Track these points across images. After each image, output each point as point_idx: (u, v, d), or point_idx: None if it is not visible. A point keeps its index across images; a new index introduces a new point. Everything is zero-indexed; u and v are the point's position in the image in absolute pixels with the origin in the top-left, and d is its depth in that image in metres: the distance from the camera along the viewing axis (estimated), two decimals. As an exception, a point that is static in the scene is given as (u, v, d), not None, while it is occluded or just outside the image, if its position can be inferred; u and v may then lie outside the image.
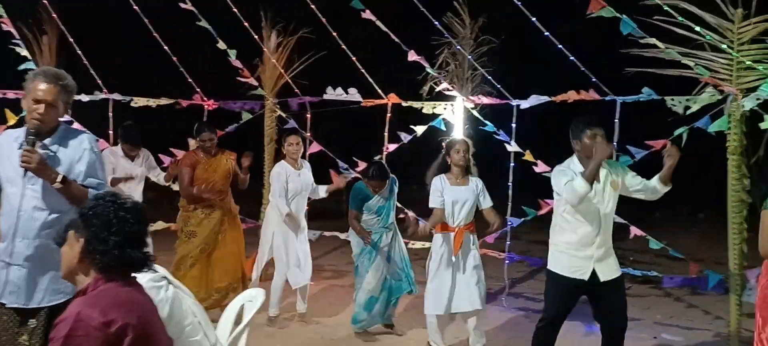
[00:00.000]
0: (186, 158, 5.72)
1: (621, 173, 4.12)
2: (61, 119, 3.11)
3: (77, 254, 2.13)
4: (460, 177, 4.88)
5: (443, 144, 5.07)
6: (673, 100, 5.32)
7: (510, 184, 6.31)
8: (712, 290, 5.56)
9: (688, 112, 5.25)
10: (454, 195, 4.81)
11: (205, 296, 5.46)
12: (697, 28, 4.92)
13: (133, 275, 2.22)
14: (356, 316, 5.36)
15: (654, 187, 4.05)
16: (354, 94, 6.81)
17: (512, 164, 6.31)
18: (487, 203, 4.92)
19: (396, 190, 5.51)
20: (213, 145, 5.68)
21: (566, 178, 3.90)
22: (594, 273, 3.99)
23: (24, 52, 6.85)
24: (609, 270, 4.05)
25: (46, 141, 3.04)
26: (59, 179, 2.94)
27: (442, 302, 4.79)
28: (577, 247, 3.99)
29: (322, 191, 5.93)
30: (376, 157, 6.26)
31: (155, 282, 2.65)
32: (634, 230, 5.79)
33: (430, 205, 4.82)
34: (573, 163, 4.03)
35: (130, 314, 2.00)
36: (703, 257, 7.56)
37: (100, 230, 2.11)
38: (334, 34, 6.67)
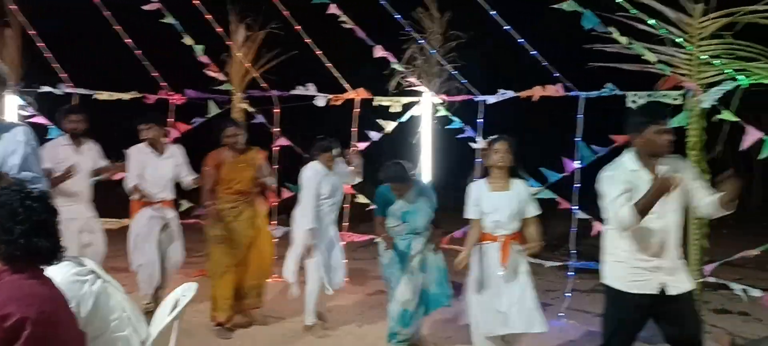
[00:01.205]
0: (210, 158, 5.30)
1: (689, 174, 3.47)
2: None
3: None
4: (501, 181, 4.23)
5: (485, 143, 4.41)
6: (635, 95, 5.31)
7: (476, 180, 6.27)
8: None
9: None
10: (494, 203, 4.18)
11: (240, 297, 5.32)
12: (656, 23, 4.90)
13: (41, 267, 2.15)
14: (392, 330, 4.85)
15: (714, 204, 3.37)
16: (314, 91, 6.73)
17: (478, 160, 6.28)
18: (530, 211, 4.24)
19: (428, 195, 4.97)
20: (239, 141, 5.32)
21: (617, 191, 3.29)
22: (663, 286, 3.37)
23: (-15, 45, 6.73)
24: (681, 282, 3.42)
25: None
26: None
27: (493, 322, 4.14)
28: (641, 256, 3.37)
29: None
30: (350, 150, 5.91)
31: (80, 276, 2.59)
32: (597, 226, 5.77)
33: (466, 215, 4.29)
34: (626, 162, 3.41)
35: (29, 307, 1.94)
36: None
37: (6, 220, 2.05)
38: (298, 28, 6.61)
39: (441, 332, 5.37)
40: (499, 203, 4.17)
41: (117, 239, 6.39)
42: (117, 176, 5.91)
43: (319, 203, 5.23)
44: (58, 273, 2.54)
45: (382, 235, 4.90)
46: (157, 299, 5.43)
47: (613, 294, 3.46)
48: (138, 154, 5.60)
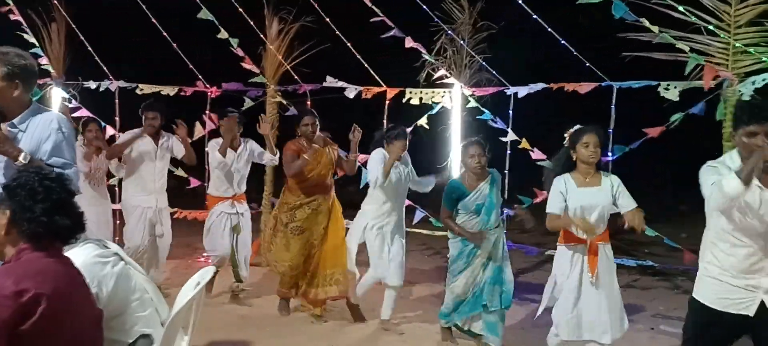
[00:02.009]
0: (291, 144, 5.31)
1: None
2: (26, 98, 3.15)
3: (4, 226, 2.17)
4: (589, 176, 3.91)
5: (566, 136, 4.07)
6: (667, 86, 5.18)
7: (506, 172, 6.23)
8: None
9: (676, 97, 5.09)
10: (582, 199, 3.85)
11: (313, 284, 5.34)
12: (688, 10, 4.77)
13: (61, 246, 2.25)
14: (446, 310, 4.80)
15: None
16: (345, 83, 6.76)
17: (508, 152, 6.24)
18: (628, 203, 3.87)
19: (498, 186, 4.71)
20: (315, 131, 5.29)
21: (715, 175, 3.01)
22: (762, 306, 3.02)
23: (31, 39, 7.02)
24: None
25: (15, 120, 3.12)
26: (22, 156, 3.01)
27: (573, 326, 3.89)
28: (737, 272, 3.05)
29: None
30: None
31: (102, 258, 2.70)
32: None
33: (548, 209, 3.90)
34: (730, 159, 3.11)
35: (44, 283, 2.03)
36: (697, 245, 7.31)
37: (26, 199, 2.15)
38: (327, 20, 6.67)
39: (515, 336, 5.13)
40: (587, 199, 3.84)
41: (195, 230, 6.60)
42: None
43: (386, 192, 5.10)
44: (81, 254, 2.66)
45: (455, 229, 4.59)
46: (238, 290, 5.85)
47: (698, 309, 3.18)
48: (215, 148, 5.72)
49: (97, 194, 5.86)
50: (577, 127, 3.97)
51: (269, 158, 5.92)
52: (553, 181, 3.92)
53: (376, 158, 5.05)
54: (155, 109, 5.81)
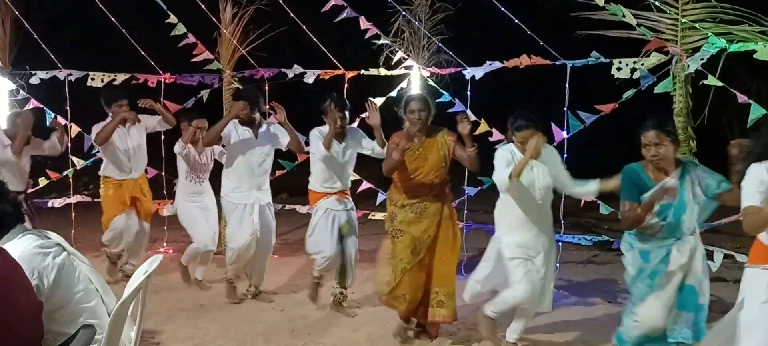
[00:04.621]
0: (395, 137, 4.45)
1: None
2: None
3: None
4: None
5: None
6: (619, 63, 5.26)
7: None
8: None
9: (635, 74, 5.19)
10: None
11: (424, 303, 4.49)
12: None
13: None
14: (623, 338, 3.70)
15: None
16: (301, 69, 6.69)
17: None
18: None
19: (696, 181, 3.54)
20: (423, 119, 4.36)
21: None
22: None
23: (-27, 29, 6.77)
24: None
25: None
26: None
27: None
28: None
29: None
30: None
31: (43, 249, 2.62)
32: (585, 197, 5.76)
33: (748, 202, 2.89)
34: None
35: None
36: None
37: None
38: (282, 2, 6.59)
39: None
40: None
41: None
42: None
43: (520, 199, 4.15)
44: (19, 245, 2.58)
45: (641, 212, 3.45)
46: (340, 297, 5.24)
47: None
48: (319, 139, 5.00)
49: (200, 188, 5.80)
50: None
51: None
52: (751, 169, 2.94)
53: (503, 154, 4.13)
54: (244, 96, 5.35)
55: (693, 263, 3.53)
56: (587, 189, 4.17)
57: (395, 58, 6.58)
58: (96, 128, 5.84)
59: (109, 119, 5.83)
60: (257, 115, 5.33)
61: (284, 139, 5.31)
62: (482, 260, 4.45)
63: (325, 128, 4.97)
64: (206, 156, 5.85)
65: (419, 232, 4.39)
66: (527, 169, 4.03)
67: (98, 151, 7.08)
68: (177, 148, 5.76)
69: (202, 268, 5.92)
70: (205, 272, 5.95)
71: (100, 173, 6.09)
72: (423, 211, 4.41)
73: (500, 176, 4.02)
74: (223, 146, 5.50)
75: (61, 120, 6.76)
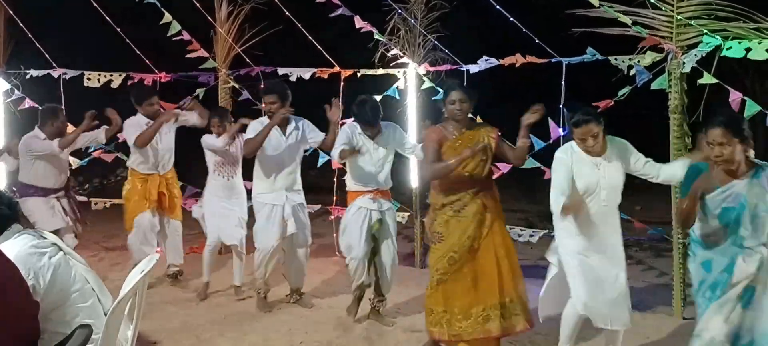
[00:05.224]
0: (432, 133, 4.12)
1: None
2: None
3: None
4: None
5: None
6: (616, 59, 5.27)
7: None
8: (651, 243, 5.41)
9: (632, 71, 5.19)
10: None
11: (472, 322, 3.99)
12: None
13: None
14: None
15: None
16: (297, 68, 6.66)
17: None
18: None
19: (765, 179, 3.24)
20: (464, 110, 4.07)
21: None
22: None
23: (-32, 29, 6.74)
24: None
25: None
26: None
27: None
28: None
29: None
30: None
31: (38, 248, 2.62)
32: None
33: None
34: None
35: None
36: (650, 218, 7.51)
37: None
38: (278, 1, 6.58)
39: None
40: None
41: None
42: None
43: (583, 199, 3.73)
44: (15, 246, 2.58)
45: (692, 206, 3.22)
46: (378, 305, 4.97)
47: None
48: (347, 133, 4.82)
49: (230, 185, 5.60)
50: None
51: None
52: None
53: (561, 156, 3.80)
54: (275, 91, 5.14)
55: (763, 276, 3.17)
56: (675, 169, 3.75)
57: (390, 56, 6.57)
58: (129, 126, 5.72)
59: (138, 117, 5.73)
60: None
61: (315, 137, 5.18)
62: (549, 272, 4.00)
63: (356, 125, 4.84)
64: (236, 146, 5.65)
65: (458, 235, 3.99)
66: (591, 169, 3.68)
67: (94, 150, 7.10)
68: (219, 143, 5.44)
69: (238, 272, 5.69)
70: (242, 278, 5.68)
71: (127, 164, 6.00)
72: (462, 209, 4.01)
73: (554, 204, 3.69)
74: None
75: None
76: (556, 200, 3.68)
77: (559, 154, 3.80)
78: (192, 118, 6.01)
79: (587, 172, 3.69)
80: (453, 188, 4.03)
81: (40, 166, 5.64)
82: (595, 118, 3.68)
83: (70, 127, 5.94)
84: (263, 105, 5.21)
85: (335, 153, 4.69)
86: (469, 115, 4.20)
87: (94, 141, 6.05)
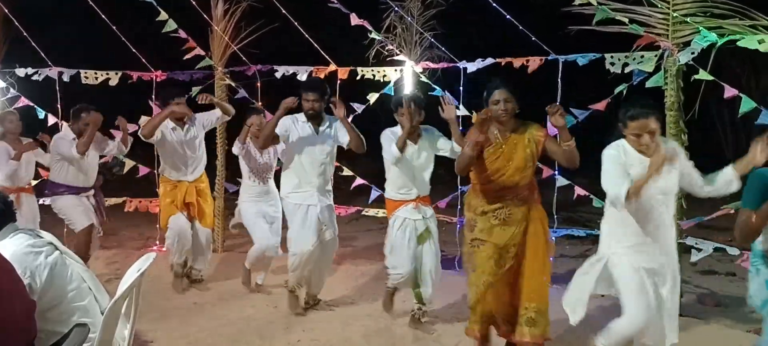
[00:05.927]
0: (473, 132, 3.82)
1: None
2: None
3: None
4: None
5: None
6: (612, 58, 5.28)
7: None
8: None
9: (628, 69, 5.21)
10: None
11: (513, 322, 3.95)
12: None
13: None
14: None
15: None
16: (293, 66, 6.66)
17: (461, 129, 6.24)
18: None
19: None
20: (508, 113, 3.82)
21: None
22: None
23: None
24: None
25: None
26: None
27: None
28: None
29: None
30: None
31: (35, 248, 2.62)
32: (578, 190, 5.79)
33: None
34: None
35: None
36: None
37: None
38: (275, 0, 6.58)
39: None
40: None
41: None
42: None
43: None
44: (11, 245, 2.58)
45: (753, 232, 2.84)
46: (419, 313, 4.78)
47: None
48: (392, 140, 4.59)
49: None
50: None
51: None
52: None
53: (610, 153, 3.45)
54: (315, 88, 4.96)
55: None
56: (726, 179, 3.40)
57: (385, 53, 6.57)
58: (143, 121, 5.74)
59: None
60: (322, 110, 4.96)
61: (345, 138, 4.92)
62: (579, 275, 3.69)
63: (398, 129, 4.56)
64: (268, 155, 5.59)
65: (504, 240, 3.85)
66: (643, 172, 3.24)
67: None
68: (235, 149, 5.54)
69: (262, 273, 5.73)
70: (265, 278, 5.75)
71: (158, 171, 5.97)
72: (507, 217, 3.85)
73: (614, 190, 3.25)
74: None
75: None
76: (618, 187, 3.21)
77: (609, 151, 3.41)
78: (209, 118, 5.89)
79: (638, 174, 3.25)
80: (499, 196, 3.87)
81: (69, 166, 5.68)
82: (655, 112, 3.31)
83: None
84: (303, 101, 4.91)
85: (394, 148, 4.47)
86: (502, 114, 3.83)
87: (117, 150, 6.07)
